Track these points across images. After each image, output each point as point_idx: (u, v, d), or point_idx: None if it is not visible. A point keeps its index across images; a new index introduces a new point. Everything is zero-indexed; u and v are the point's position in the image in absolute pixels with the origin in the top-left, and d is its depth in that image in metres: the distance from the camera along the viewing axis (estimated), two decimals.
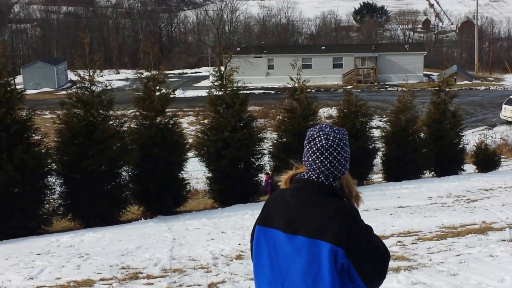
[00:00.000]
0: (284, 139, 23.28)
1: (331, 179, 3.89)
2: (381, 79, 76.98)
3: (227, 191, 22.26)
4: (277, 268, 3.95)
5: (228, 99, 22.36)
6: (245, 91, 23.46)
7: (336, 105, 40.88)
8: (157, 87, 21.63)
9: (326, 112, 48.68)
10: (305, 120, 23.09)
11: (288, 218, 3.89)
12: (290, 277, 3.88)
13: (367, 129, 25.99)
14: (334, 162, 3.88)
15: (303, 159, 3.98)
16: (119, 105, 20.81)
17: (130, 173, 21.12)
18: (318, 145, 3.88)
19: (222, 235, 15.69)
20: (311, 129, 3.96)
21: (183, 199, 22.07)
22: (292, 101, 23.53)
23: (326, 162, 3.87)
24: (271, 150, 23.55)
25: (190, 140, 23.67)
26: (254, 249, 4.09)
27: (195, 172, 26.66)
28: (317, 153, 3.88)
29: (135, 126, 21.67)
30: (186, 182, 22.40)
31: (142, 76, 21.83)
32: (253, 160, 22.96)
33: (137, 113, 22.01)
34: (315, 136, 3.91)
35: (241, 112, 22.54)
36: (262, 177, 24.22)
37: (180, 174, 22.17)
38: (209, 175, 22.95)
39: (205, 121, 23.26)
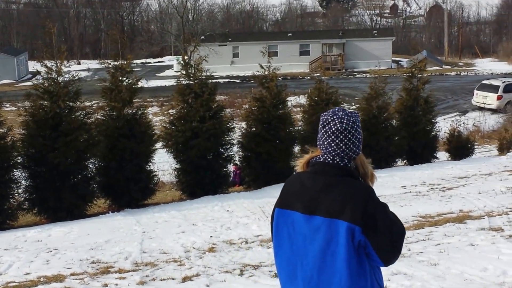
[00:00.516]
0: (254, 129, 22.99)
1: (346, 161, 4.17)
2: (349, 66, 77.05)
3: (196, 182, 21.89)
4: (296, 247, 4.19)
5: (197, 89, 22.00)
6: (212, 80, 23.14)
7: (303, 93, 40.79)
8: (124, 77, 21.23)
9: (294, 101, 48.24)
10: (275, 109, 22.80)
11: (306, 199, 4.13)
12: (308, 256, 4.11)
13: None
14: (349, 144, 4.15)
15: (318, 142, 4.18)
16: (82, 96, 20.43)
17: (96, 165, 20.71)
18: (333, 128, 4.12)
19: (193, 228, 15.50)
20: (325, 113, 4.17)
21: (151, 192, 21.69)
22: (262, 90, 23.22)
23: (341, 145, 4.13)
24: (240, 140, 23.28)
25: (156, 131, 23.28)
26: (274, 230, 4.35)
27: (161, 164, 26.33)
28: (332, 137, 4.13)
29: (102, 118, 21.25)
30: (153, 174, 22.03)
31: (110, 65, 21.40)
32: (222, 150, 22.61)
33: (103, 104, 21.61)
34: (330, 120, 4.15)
35: (210, 101, 22.20)
36: (231, 168, 23.99)
37: (148, 166, 21.79)
38: (177, 166, 22.56)
39: (172, 111, 22.87)
